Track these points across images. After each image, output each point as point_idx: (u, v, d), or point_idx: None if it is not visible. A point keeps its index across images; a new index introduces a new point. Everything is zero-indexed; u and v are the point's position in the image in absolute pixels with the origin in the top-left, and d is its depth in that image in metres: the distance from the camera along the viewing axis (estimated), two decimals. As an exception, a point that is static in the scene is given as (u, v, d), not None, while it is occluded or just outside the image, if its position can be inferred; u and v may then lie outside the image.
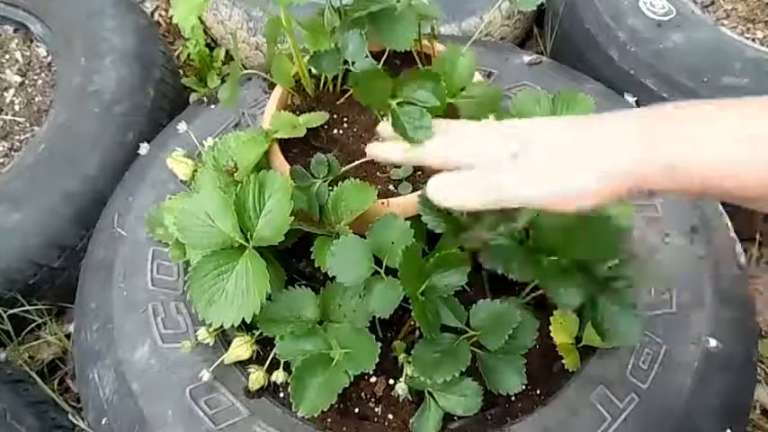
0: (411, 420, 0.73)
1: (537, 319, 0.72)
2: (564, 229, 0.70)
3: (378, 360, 0.69)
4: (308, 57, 0.82)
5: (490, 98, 0.77)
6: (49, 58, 1.37)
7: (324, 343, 0.71)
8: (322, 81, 0.87)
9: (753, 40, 1.25)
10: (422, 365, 0.67)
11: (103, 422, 0.78)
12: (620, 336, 0.69)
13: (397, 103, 0.68)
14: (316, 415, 0.67)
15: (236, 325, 0.67)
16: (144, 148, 1.00)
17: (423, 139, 0.64)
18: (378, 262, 0.69)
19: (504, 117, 0.82)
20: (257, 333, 0.77)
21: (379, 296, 0.67)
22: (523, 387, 0.71)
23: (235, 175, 0.78)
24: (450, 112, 0.75)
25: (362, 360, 0.69)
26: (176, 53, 1.54)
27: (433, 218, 0.72)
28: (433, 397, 0.71)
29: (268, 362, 0.76)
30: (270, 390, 0.77)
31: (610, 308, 0.70)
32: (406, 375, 0.73)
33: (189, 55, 1.49)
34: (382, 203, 0.75)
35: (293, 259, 0.85)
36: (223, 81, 1.45)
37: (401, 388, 0.73)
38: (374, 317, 0.71)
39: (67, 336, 1.12)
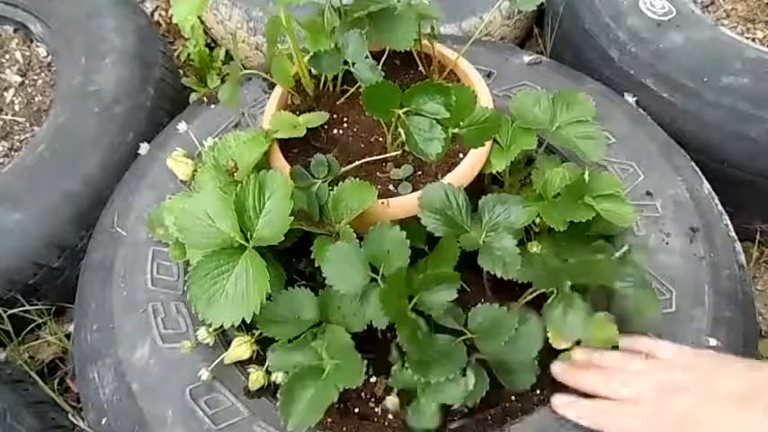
0: (405, 407, 0.72)
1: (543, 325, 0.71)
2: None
3: (378, 361, 0.69)
4: (308, 57, 0.82)
5: (491, 123, 0.76)
6: (49, 58, 1.37)
7: (315, 355, 0.70)
8: (322, 81, 0.87)
9: (753, 40, 1.25)
10: (416, 365, 0.67)
11: (103, 422, 0.78)
12: None
13: (405, 113, 0.67)
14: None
15: (236, 325, 0.67)
16: (144, 148, 1.00)
17: (434, 153, 0.62)
18: (375, 269, 0.69)
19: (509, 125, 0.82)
20: (257, 333, 0.77)
21: (376, 306, 0.67)
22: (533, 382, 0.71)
23: (235, 175, 0.78)
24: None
25: (350, 375, 0.68)
26: (176, 53, 1.54)
27: (432, 220, 0.72)
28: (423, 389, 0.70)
29: (268, 362, 0.75)
30: (270, 390, 0.76)
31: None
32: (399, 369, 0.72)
33: (189, 55, 1.49)
34: (382, 203, 0.75)
35: (293, 259, 0.85)
36: (223, 81, 1.45)
37: (391, 402, 0.72)
38: (374, 316, 0.71)
39: (67, 336, 1.12)
